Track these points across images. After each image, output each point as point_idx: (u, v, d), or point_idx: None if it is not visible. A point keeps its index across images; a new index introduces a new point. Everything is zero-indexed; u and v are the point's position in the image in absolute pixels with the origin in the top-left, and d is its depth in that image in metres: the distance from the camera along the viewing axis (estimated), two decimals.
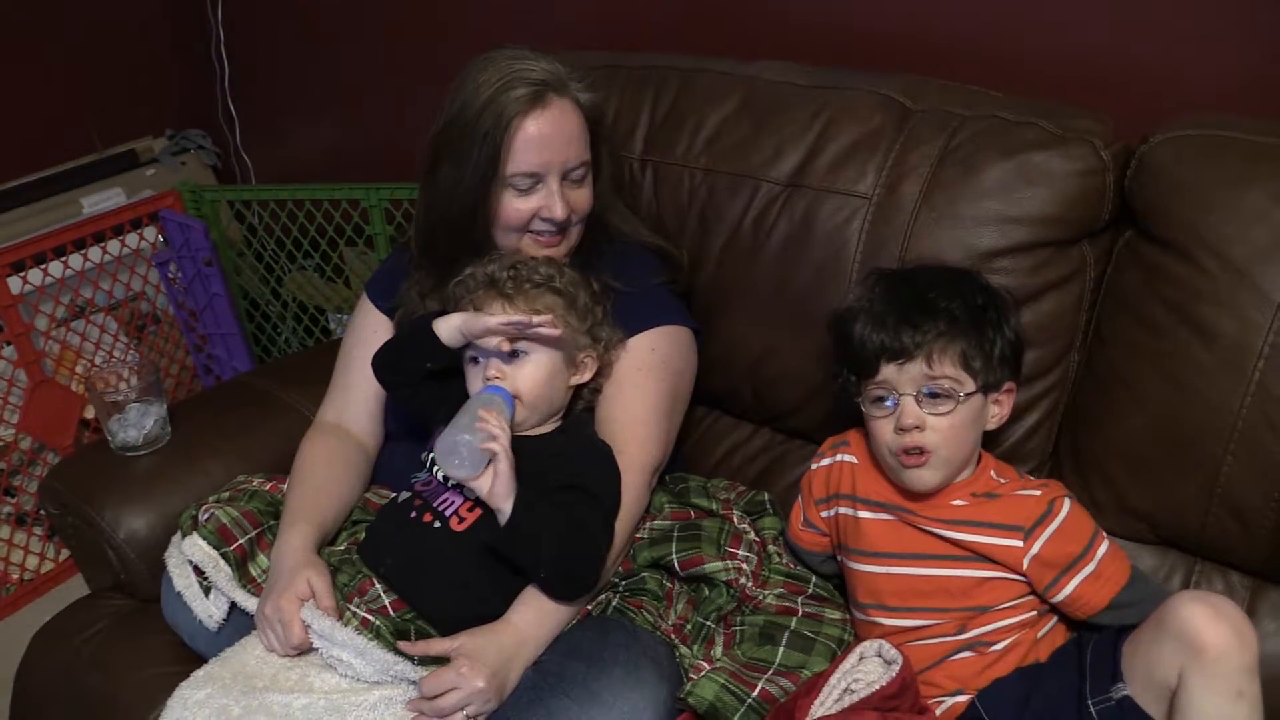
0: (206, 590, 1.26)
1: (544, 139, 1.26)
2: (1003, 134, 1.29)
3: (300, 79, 2.43)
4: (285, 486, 1.36)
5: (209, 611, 1.26)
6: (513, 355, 1.20)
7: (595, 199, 1.35)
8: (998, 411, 1.20)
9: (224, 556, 1.25)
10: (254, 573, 1.26)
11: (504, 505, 1.11)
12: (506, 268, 1.24)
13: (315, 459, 1.36)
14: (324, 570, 1.21)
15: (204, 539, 1.26)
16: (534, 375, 1.21)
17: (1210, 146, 1.19)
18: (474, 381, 1.24)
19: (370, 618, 1.15)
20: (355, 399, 1.42)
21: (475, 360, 1.23)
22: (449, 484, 1.21)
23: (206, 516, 1.29)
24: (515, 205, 1.28)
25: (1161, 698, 0.98)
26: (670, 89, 1.54)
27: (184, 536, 1.29)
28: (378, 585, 1.19)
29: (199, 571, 1.26)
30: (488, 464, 1.11)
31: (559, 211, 1.27)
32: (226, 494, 1.35)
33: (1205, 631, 0.94)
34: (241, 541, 1.27)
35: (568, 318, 1.23)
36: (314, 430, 1.42)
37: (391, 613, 1.16)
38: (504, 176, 1.26)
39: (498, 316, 1.18)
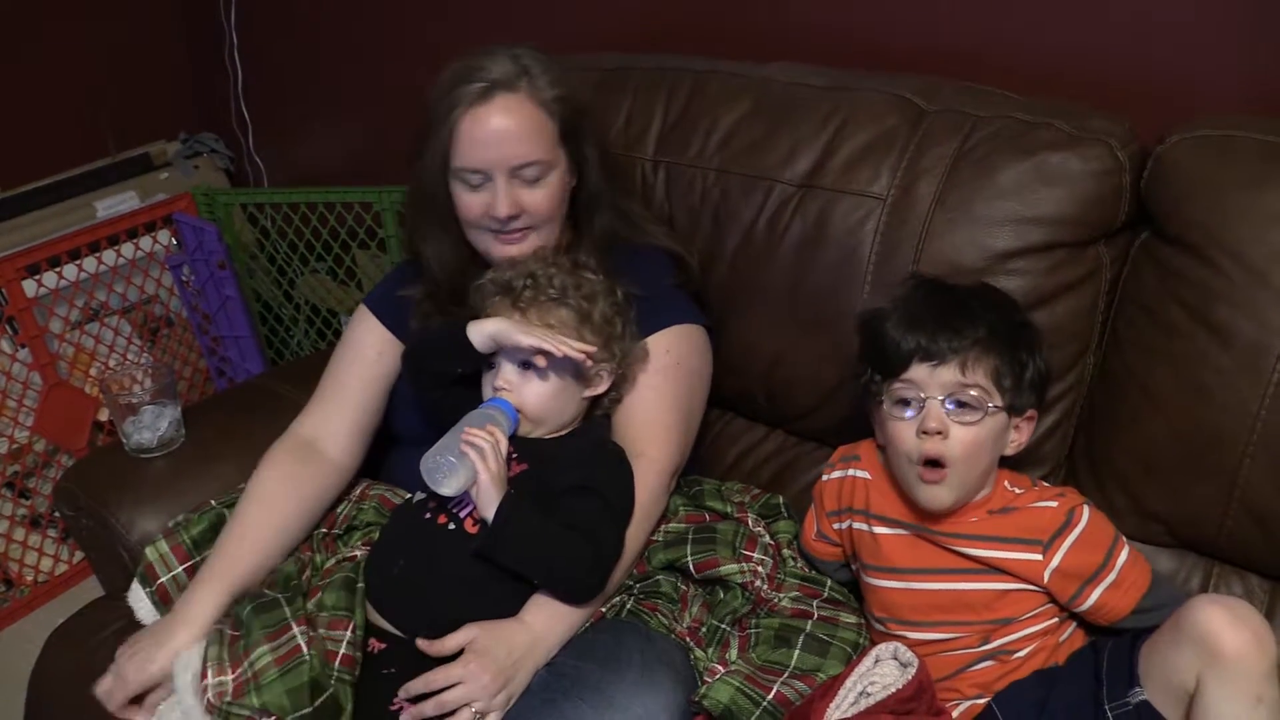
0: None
1: (484, 136, 1.25)
2: (1018, 135, 1.28)
3: (313, 83, 2.44)
4: None
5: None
6: (525, 367, 1.19)
7: (585, 200, 1.35)
8: (1017, 438, 1.18)
9: (149, 596, 1.26)
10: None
11: (487, 513, 1.11)
12: (524, 275, 1.22)
13: (265, 485, 1.30)
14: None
15: (139, 581, 1.27)
16: (541, 391, 1.21)
17: (1227, 147, 1.19)
18: (487, 388, 1.24)
19: (303, 646, 1.09)
20: (339, 415, 1.37)
21: (491, 366, 1.23)
22: None
23: (148, 550, 1.28)
24: (467, 200, 1.29)
25: (1179, 702, 0.97)
26: (683, 90, 1.54)
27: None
28: (354, 632, 1.15)
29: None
30: (474, 480, 1.11)
31: (501, 209, 1.27)
32: (182, 518, 1.32)
33: (1224, 636, 0.93)
34: (163, 580, 1.26)
35: (581, 332, 1.21)
36: (281, 445, 1.34)
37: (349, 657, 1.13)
38: (455, 171, 1.28)
39: (531, 338, 1.16)
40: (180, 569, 1.27)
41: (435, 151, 1.28)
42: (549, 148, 1.28)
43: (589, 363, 1.18)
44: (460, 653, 1.10)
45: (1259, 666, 0.93)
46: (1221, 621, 0.94)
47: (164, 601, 1.25)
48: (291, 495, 1.30)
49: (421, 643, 1.12)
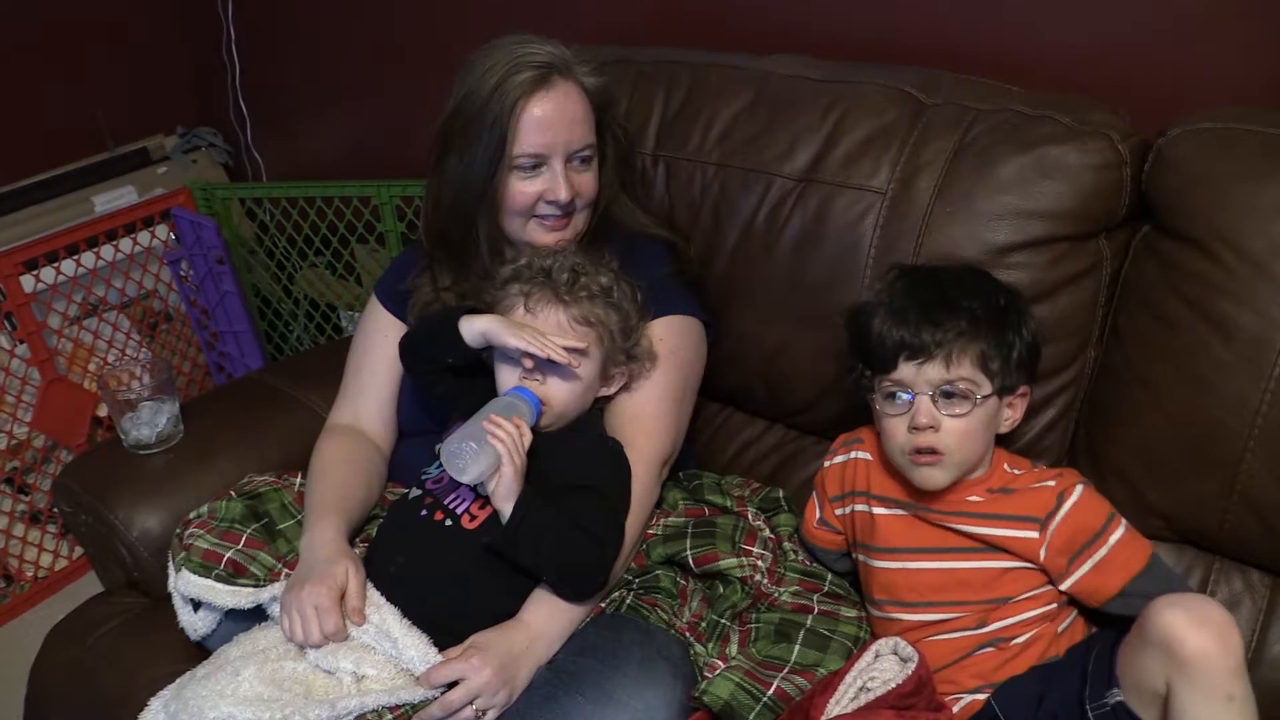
0: (196, 605, 1.26)
1: (548, 120, 1.26)
2: (1018, 128, 1.28)
3: (311, 76, 2.43)
4: (296, 481, 1.36)
5: (194, 625, 1.26)
6: (552, 363, 1.18)
7: (601, 187, 1.35)
8: (1011, 415, 1.19)
9: (216, 578, 1.22)
10: (258, 572, 1.23)
11: (504, 507, 1.11)
12: (567, 268, 1.21)
13: (335, 459, 1.34)
14: (359, 566, 1.18)
15: (192, 572, 1.23)
16: (570, 388, 1.20)
17: (1228, 140, 1.18)
18: (506, 379, 1.22)
19: None
20: (368, 402, 1.41)
21: (511, 359, 1.21)
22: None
23: (189, 544, 1.25)
24: (520, 188, 1.29)
25: (1154, 704, 0.96)
26: (682, 84, 1.53)
27: (176, 569, 1.26)
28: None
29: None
30: (495, 468, 1.10)
31: (563, 194, 1.28)
32: (206, 510, 1.30)
33: (1187, 640, 0.92)
34: (229, 555, 1.23)
35: (616, 334, 1.22)
36: (329, 433, 1.40)
37: None
38: (510, 159, 1.27)
39: (519, 340, 1.15)
40: (240, 543, 1.25)
41: (486, 142, 1.27)
42: (593, 133, 1.32)
43: (575, 363, 1.17)
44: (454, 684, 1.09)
45: (1225, 664, 0.92)
46: (1182, 625, 0.92)
47: (239, 574, 1.22)
48: (362, 460, 1.36)
49: (421, 678, 1.10)
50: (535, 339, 1.15)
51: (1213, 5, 1.33)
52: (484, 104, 1.26)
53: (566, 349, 1.15)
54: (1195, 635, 0.92)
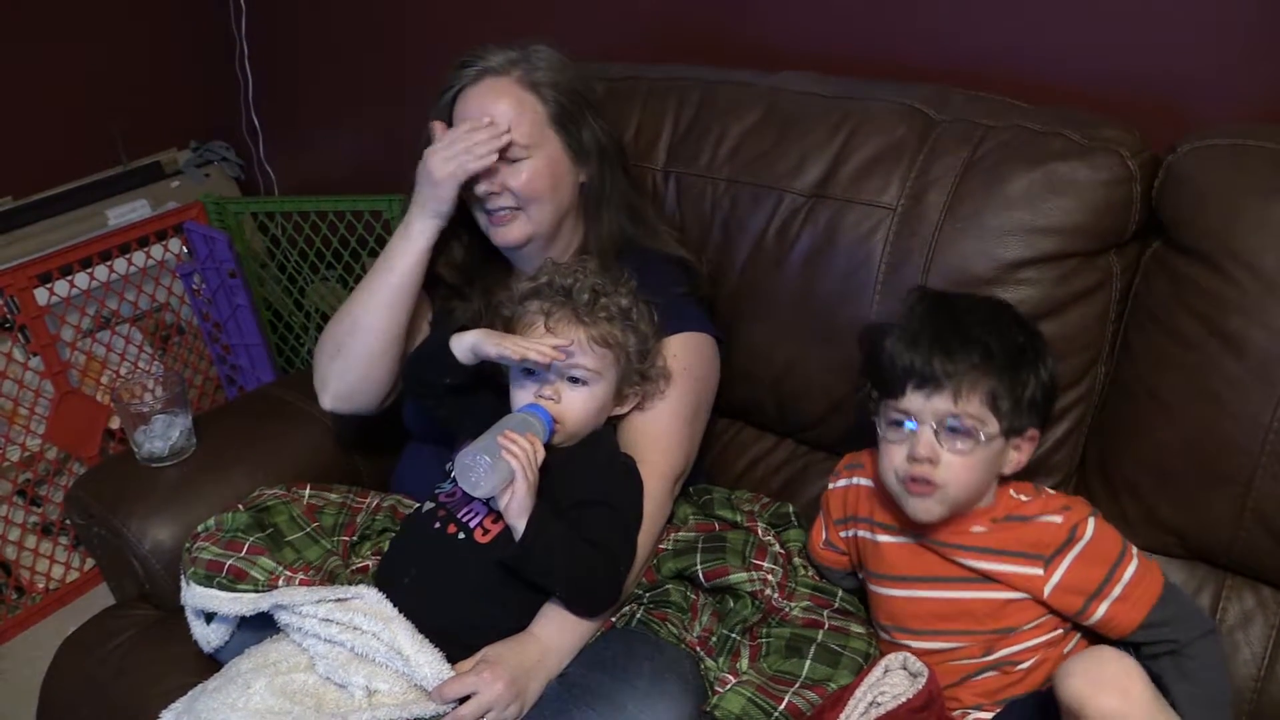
0: (209, 617, 1.26)
1: (469, 112, 1.31)
2: (1028, 144, 1.28)
3: (323, 91, 2.45)
4: (304, 493, 1.37)
5: (207, 638, 1.26)
6: (574, 381, 1.19)
7: (595, 196, 1.37)
8: (1016, 457, 1.15)
9: (218, 585, 1.22)
10: (258, 575, 1.23)
11: (517, 523, 1.11)
12: (587, 289, 1.21)
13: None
14: None
15: (197, 583, 1.23)
16: (585, 406, 1.21)
17: (1239, 156, 1.18)
18: (521, 395, 1.22)
19: None
20: None
21: (531, 373, 1.21)
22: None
23: (195, 556, 1.25)
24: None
25: None
26: (693, 100, 1.54)
27: (186, 583, 1.26)
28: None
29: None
30: (508, 483, 1.11)
31: (481, 185, 1.30)
32: (213, 522, 1.31)
33: (1088, 706, 0.93)
34: (230, 562, 1.23)
35: (633, 356, 1.22)
36: None
37: None
38: None
39: (500, 348, 1.16)
40: (242, 551, 1.24)
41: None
42: (532, 130, 1.31)
43: (561, 358, 1.17)
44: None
45: (1135, 717, 0.93)
46: (1083, 694, 0.93)
47: (240, 579, 1.22)
48: None
49: (434, 692, 1.10)
50: (515, 345, 1.16)
51: (1223, 21, 1.33)
52: (438, 100, 1.34)
53: (555, 347, 1.16)
54: (1096, 700, 0.93)
